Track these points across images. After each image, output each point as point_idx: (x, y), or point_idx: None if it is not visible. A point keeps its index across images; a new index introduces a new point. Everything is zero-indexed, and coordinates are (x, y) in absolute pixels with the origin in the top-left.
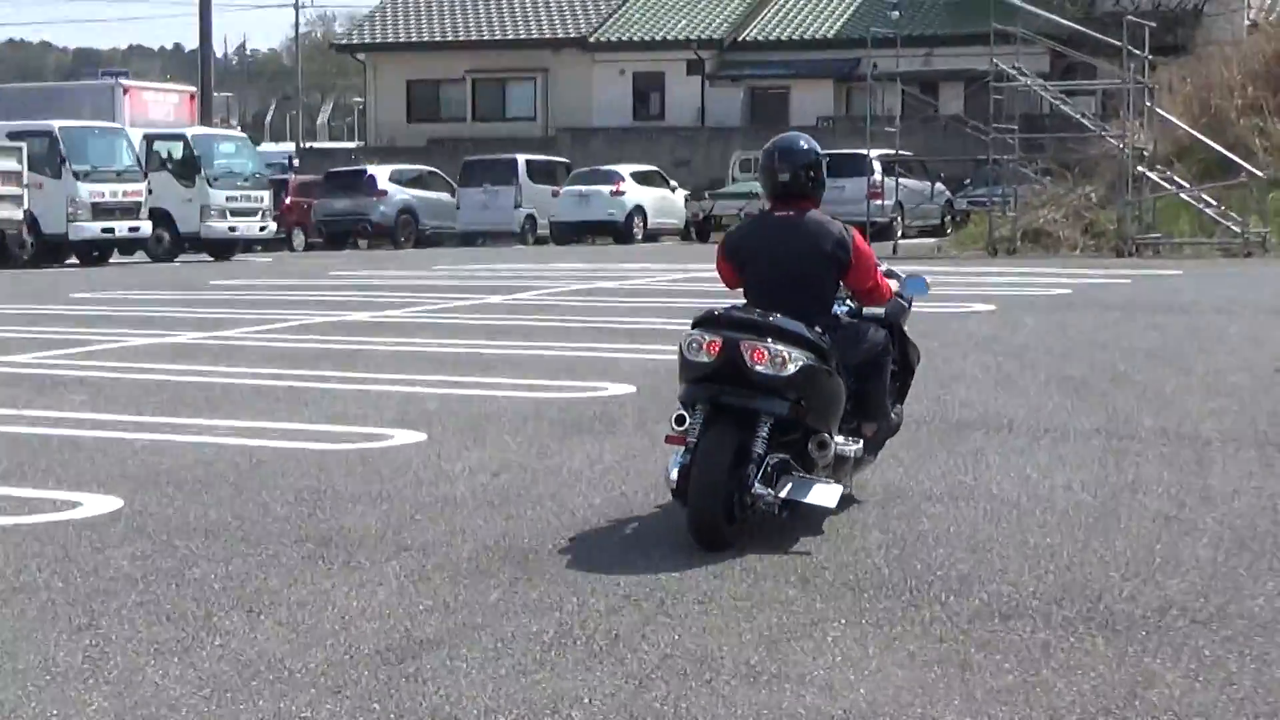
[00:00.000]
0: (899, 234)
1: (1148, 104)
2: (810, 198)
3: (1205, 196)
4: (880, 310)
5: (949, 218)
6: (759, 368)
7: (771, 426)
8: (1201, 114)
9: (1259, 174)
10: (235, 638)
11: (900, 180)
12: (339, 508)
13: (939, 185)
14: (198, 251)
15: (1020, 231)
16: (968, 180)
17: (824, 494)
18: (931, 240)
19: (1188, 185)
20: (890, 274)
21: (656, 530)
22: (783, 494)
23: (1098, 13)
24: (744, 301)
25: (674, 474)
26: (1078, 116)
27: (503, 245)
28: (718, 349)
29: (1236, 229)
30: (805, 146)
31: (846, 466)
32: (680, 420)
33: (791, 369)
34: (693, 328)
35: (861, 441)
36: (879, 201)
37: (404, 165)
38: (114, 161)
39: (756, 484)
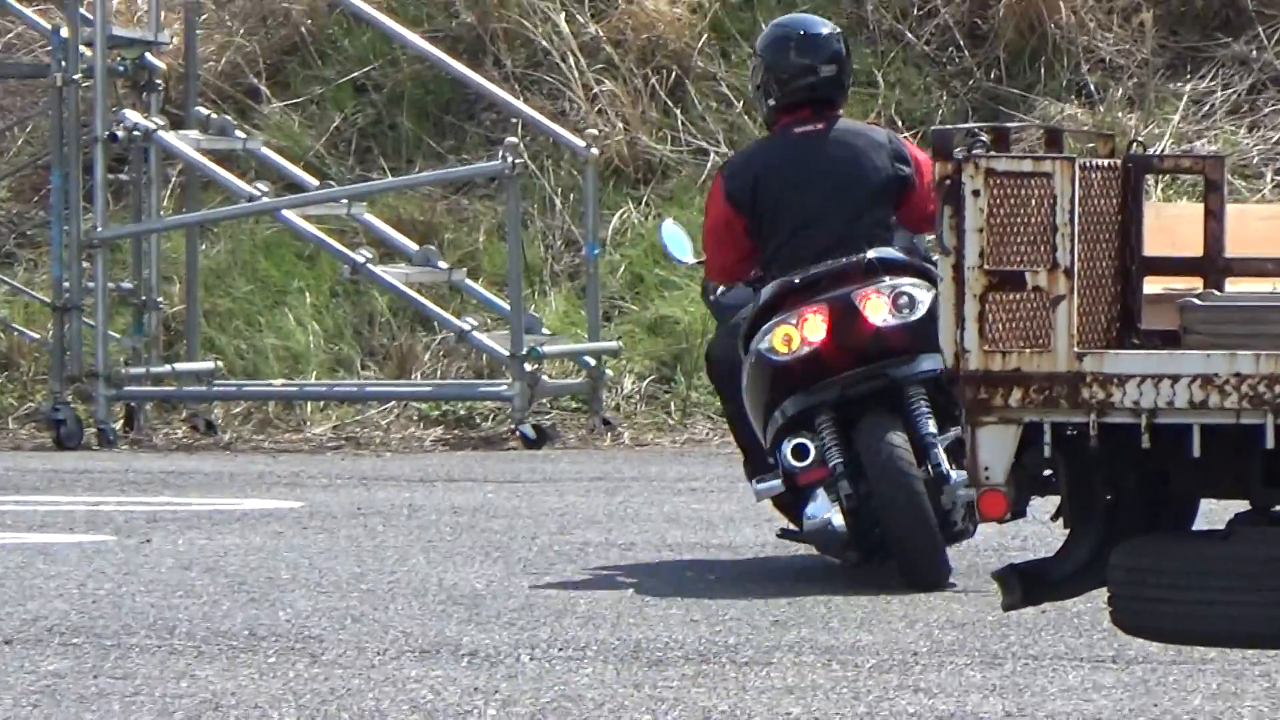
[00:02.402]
0: None
1: None
2: (838, 103)
3: None
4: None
5: None
6: (879, 319)
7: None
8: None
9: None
10: None
11: None
12: None
13: None
14: None
15: None
16: None
17: None
18: None
19: None
20: None
21: None
22: None
23: None
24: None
25: (835, 520)
26: None
27: None
28: (826, 321)
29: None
30: (829, 29)
31: None
32: (802, 452)
33: (924, 308)
34: (760, 318)
35: None
36: None
37: None
38: None
39: (953, 473)
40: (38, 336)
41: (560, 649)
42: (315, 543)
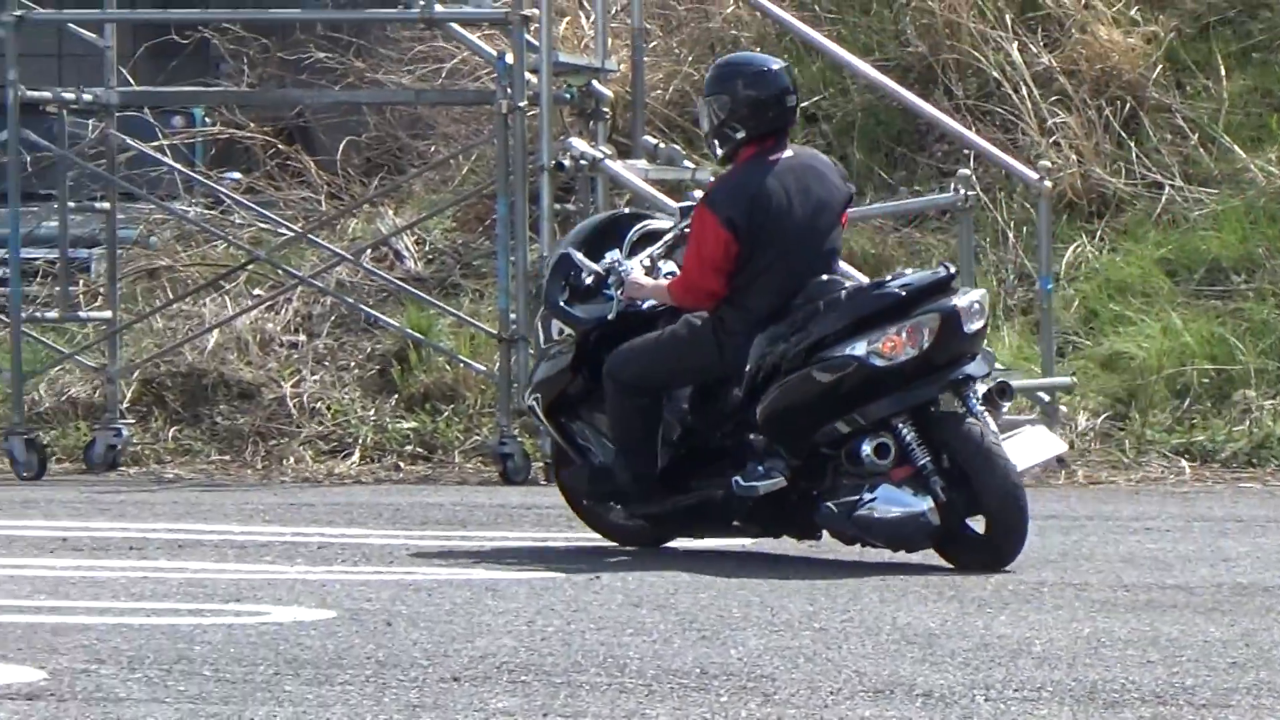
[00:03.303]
0: None
1: None
2: (789, 129)
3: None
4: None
5: None
6: (968, 327)
7: None
8: None
9: None
10: None
11: None
12: None
13: None
14: None
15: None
16: None
17: (1050, 440)
18: None
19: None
20: None
21: None
22: (1028, 462)
23: None
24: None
25: (926, 508)
26: None
27: None
28: (936, 330)
29: None
30: (780, 64)
31: None
32: (884, 450)
33: (986, 313)
34: (855, 328)
35: None
36: None
37: None
38: None
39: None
40: (484, 369)
41: (1015, 690)
42: (766, 580)
